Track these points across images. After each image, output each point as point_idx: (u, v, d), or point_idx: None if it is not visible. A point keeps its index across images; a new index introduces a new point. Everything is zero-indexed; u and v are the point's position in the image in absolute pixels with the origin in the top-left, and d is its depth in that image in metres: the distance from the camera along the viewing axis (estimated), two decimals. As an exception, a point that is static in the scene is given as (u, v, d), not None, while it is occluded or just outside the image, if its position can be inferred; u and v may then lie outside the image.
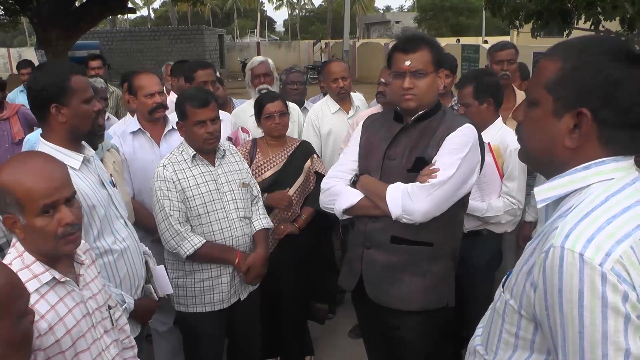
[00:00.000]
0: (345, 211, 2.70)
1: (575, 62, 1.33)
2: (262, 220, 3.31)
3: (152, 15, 67.67)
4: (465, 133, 2.57)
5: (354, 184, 2.72)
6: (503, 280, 1.53)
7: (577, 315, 1.21)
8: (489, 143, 3.37)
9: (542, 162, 1.46)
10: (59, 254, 1.89)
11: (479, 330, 1.65)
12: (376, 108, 4.11)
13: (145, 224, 3.46)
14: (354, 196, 2.67)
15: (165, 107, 3.73)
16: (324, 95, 4.91)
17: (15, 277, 1.36)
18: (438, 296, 2.71)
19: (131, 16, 65.11)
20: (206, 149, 3.09)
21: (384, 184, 2.59)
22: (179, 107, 3.07)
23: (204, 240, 3.04)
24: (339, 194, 2.71)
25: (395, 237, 2.60)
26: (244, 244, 3.19)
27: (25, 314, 1.38)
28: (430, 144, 2.58)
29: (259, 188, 3.40)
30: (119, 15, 38.38)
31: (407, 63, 2.53)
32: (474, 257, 3.51)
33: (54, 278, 1.82)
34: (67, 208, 1.84)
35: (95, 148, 2.90)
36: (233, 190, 3.17)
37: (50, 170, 1.85)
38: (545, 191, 1.41)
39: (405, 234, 2.59)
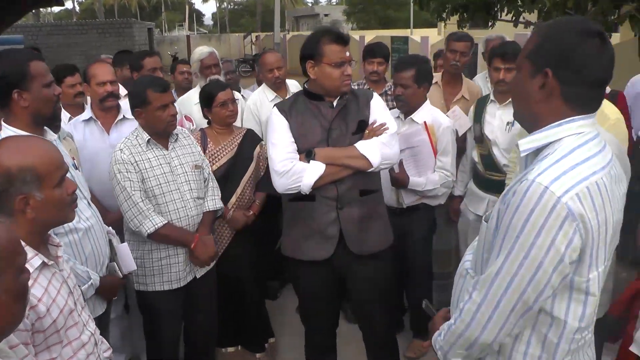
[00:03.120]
0: (314, 184, 2.93)
1: (545, 35, 1.69)
2: (215, 201, 3.48)
3: (77, 8, 65.51)
4: (379, 96, 3.23)
5: (312, 158, 2.95)
6: (486, 216, 1.87)
7: (522, 224, 1.56)
8: (425, 122, 3.73)
9: (524, 116, 1.80)
10: (69, 221, 2.09)
11: (468, 256, 1.97)
12: None
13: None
14: (319, 167, 2.92)
15: (117, 97, 3.81)
16: (259, 85, 5.13)
17: (17, 236, 1.47)
18: (390, 233, 3.24)
19: (55, 9, 63.02)
20: (169, 131, 3.25)
21: (346, 147, 2.98)
22: (138, 94, 3.16)
23: (165, 221, 3.18)
24: (302, 171, 2.92)
25: (363, 190, 3.03)
26: (199, 222, 3.37)
27: (24, 270, 1.49)
28: (360, 109, 3.07)
29: (210, 169, 3.55)
30: (41, 9, 37.06)
31: (348, 54, 2.93)
32: (414, 230, 3.85)
33: (42, 262, 1.90)
34: (68, 179, 2.02)
35: (52, 136, 3.02)
36: (186, 172, 3.32)
37: (52, 147, 2.01)
38: (527, 143, 1.72)
39: (368, 186, 3.06)
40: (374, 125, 3.03)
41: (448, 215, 4.35)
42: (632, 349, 2.47)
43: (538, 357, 1.73)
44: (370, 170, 2.98)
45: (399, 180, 3.67)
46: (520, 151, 1.74)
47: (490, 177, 3.86)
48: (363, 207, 3.03)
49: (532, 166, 1.66)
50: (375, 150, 2.95)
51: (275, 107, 3.14)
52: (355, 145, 2.97)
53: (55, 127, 3.08)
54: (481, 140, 3.93)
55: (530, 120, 1.76)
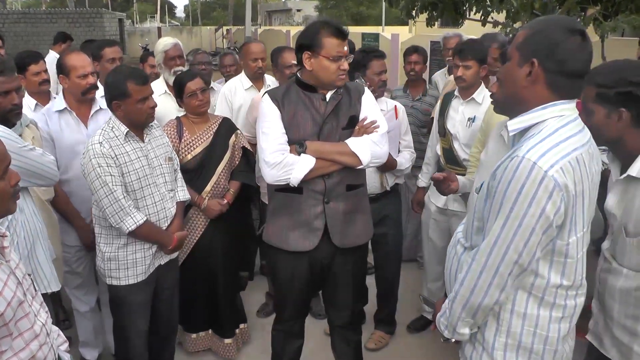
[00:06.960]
0: (304, 177, 2.95)
1: (534, 29, 1.91)
2: (185, 191, 3.51)
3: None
4: (370, 91, 3.24)
5: (303, 151, 2.97)
6: (477, 189, 2.08)
7: (515, 196, 1.79)
8: (395, 106, 3.96)
9: (509, 102, 2.01)
10: (11, 212, 1.97)
11: (460, 227, 2.21)
12: None
13: (62, 210, 3.57)
14: (309, 161, 2.94)
15: (97, 88, 3.71)
16: (226, 81, 5.25)
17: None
18: (371, 227, 3.32)
19: (24, -4, 61.59)
20: (147, 123, 3.23)
21: (338, 143, 3.01)
22: (117, 86, 3.10)
23: (145, 218, 3.16)
24: (293, 164, 2.93)
25: (349, 185, 3.09)
26: (173, 215, 3.39)
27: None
28: (352, 104, 3.09)
29: (178, 161, 3.56)
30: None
31: (345, 48, 2.96)
32: (391, 212, 4.03)
33: None
34: (11, 170, 1.93)
35: (13, 125, 2.99)
36: (162, 165, 3.31)
37: None
38: (515, 124, 1.95)
39: (354, 181, 3.11)
40: (365, 123, 3.05)
41: (409, 206, 4.51)
42: (588, 337, 2.56)
43: (523, 314, 1.96)
44: (359, 167, 3.03)
45: (391, 163, 3.73)
46: (509, 131, 1.96)
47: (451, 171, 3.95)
48: (348, 201, 3.09)
49: (519, 144, 1.88)
50: (366, 149, 2.98)
51: (266, 94, 3.10)
52: (347, 141, 3.00)
53: (17, 115, 3.04)
54: (444, 134, 4.02)
55: (515, 104, 1.97)
